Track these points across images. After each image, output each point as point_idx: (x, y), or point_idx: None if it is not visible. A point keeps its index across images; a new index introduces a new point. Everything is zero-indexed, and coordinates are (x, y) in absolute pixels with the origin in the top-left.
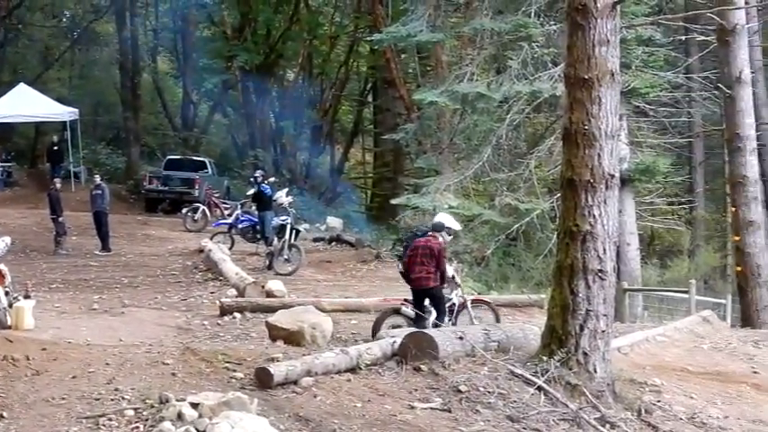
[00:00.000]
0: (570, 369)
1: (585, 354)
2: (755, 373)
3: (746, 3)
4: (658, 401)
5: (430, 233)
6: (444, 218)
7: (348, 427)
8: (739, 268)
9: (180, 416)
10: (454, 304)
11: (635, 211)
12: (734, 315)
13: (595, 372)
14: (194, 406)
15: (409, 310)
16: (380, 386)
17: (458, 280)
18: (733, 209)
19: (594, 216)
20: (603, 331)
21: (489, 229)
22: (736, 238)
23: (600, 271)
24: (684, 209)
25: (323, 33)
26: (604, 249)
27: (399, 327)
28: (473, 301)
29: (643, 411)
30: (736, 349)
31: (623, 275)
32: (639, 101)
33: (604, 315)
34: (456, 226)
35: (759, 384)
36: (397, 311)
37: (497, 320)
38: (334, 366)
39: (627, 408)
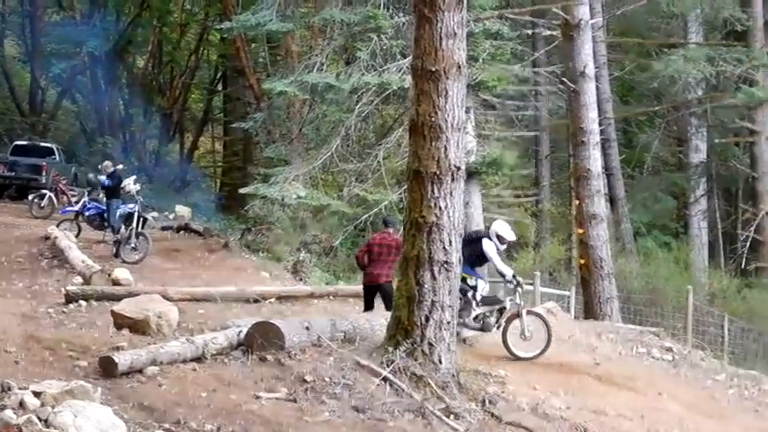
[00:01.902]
0: (416, 360)
1: (431, 345)
2: (597, 364)
3: None
4: (502, 392)
5: (388, 230)
6: (500, 226)
7: (193, 417)
8: (583, 261)
9: (22, 404)
10: (505, 308)
11: (481, 203)
12: (577, 307)
13: (440, 363)
14: (37, 395)
15: None
16: (226, 376)
17: (519, 289)
18: (577, 202)
19: (440, 208)
20: (449, 322)
21: (338, 220)
22: (580, 231)
23: (446, 262)
24: (530, 201)
25: (173, 21)
26: (450, 241)
27: None
28: (528, 312)
29: (487, 402)
30: (579, 341)
31: None
32: (487, 94)
33: (450, 306)
34: (510, 236)
35: (601, 375)
36: None
37: (549, 336)
38: (179, 355)
39: (471, 399)
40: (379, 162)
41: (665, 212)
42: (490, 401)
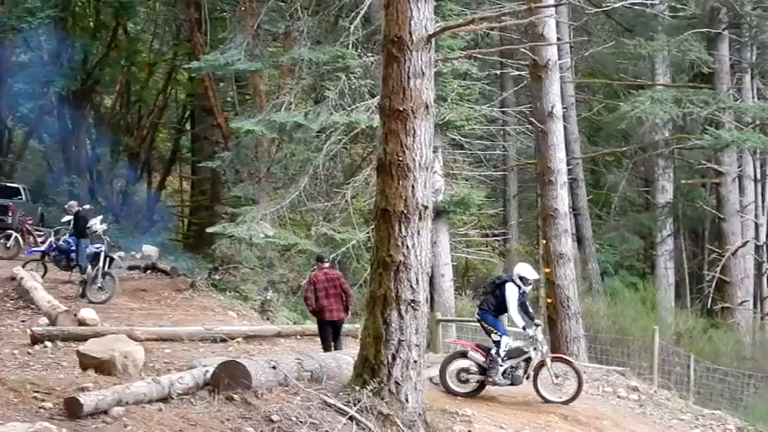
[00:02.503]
0: (382, 399)
1: (398, 383)
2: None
3: (559, 39)
4: (469, 431)
5: (324, 265)
6: (522, 268)
7: None
8: (550, 300)
9: None
10: (530, 357)
11: (449, 242)
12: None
13: (407, 401)
14: None
15: (478, 356)
16: (192, 416)
17: (539, 337)
18: (544, 241)
19: (408, 247)
20: (416, 361)
21: (305, 259)
22: (547, 270)
23: (413, 301)
24: (498, 241)
25: (141, 60)
26: (417, 280)
27: (467, 370)
28: (553, 358)
29: None
30: (546, 380)
31: (437, 306)
32: (455, 133)
33: (417, 345)
34: (533, 275)
35: (566, 414)
36: (464, 355)
37: (580, 383)
38: (145, 396)
39: None
40: (346, 201)
41: (632, 252)
42: None
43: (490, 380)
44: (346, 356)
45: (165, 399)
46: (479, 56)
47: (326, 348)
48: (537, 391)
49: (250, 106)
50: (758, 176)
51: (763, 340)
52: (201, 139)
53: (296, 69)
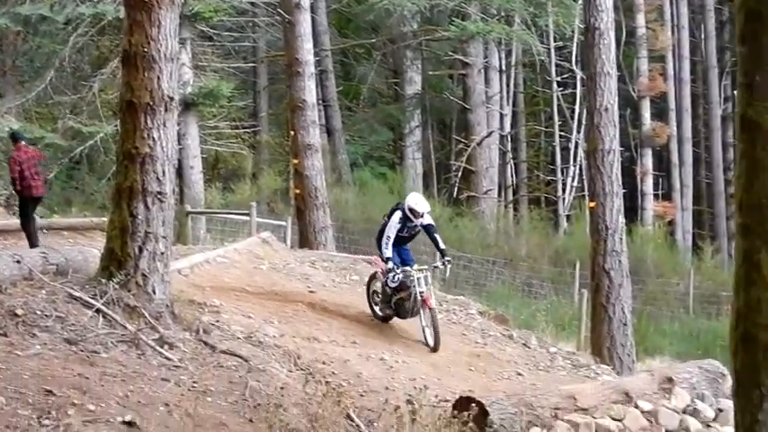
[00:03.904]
0: (129, 291)
1: (145, 276)
2: (311, 292)
3: None
4: (217, 321)
5: (21, 143)
6: (411, 198)
7: None
8: (298, 191)
9: None
10: (415, 294)
11: (198, 134)
12: (293, 236)
13: (154, 293)
14: None
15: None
16: None
17: (414, 275)
18: (292, 132)
19: (154, 139)
20: (163, 253)
21: (52, 153)
22: (296, 162)
23: (159, 193)
24: (248, 133)
25: None
26: (164, 172)
27: (377, 293)
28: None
29: (201, 331)
30: (294, 269)
31: (187, 198)
32: (203, 25)
33: (164, 237)
34: (422, 207)
35: (314, 303)
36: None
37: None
38: None
39: (186, 328)
40: (94, 94)
41: (381, 143)
42: (204, 331)
43: (379, 307)
44: (93, 250)
45: None
46: None
47: (28, 224)
48: (423, 331)
49: None
50: (503, 67)
51: (506, 228)
52: None
53: None
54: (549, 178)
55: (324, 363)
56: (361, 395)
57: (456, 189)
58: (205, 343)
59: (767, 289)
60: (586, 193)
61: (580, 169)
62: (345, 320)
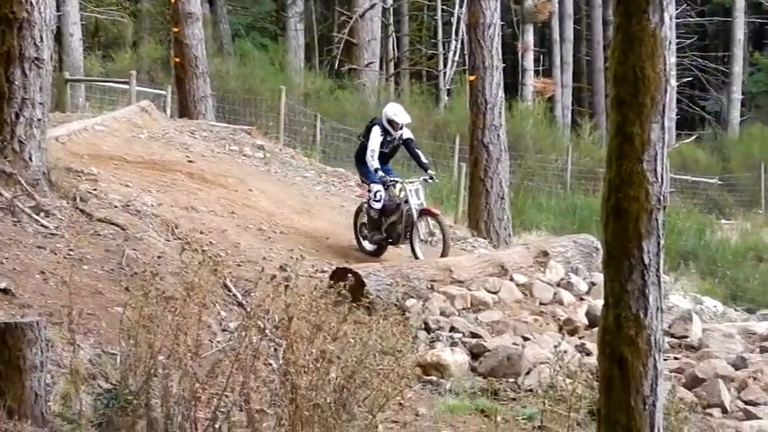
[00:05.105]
0: (6, 158)
1: (21, 142)
2: (190, 162)
3: None
4: (95, 190)
5: None
6: (390, 108)
7: None
8: (178, 60)
9: None
10: (406, 212)
11: (78, 0)
12: (173, 106)
13: (31, 160)
14: None
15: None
16: None
17: (407, 188)
18: (173, 0)
19: (31, 3)
20: (40, 120)
21: None
22: (176, 30)
23: (36, 59)
24: (129, 0)
25: None
26: (41, 37)
27: (365, 225)
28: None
29: (78, 199)
30: (173, 139)
31: (66, 66)
32: None
33: (41, 103)
34: (402, 119)
35: (192, 173)
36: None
37: (445, 240)
38: None
39: (62, 196)
40: None
41: (263, 14)
42: (81, 199)
43: (368, 239)
44: None
45: None
46: None
47: None
48: (412, 248)
49: None
50: None
51: (387, 101)
52: None
53: None
54: (431, 52)
55: (201, 233)
56: (239, 265)
57: (338, 61)
58: (82, 211)
59: (639, 161)
60: (467, 67)
61: (462, 44)
62: (224, 190)
